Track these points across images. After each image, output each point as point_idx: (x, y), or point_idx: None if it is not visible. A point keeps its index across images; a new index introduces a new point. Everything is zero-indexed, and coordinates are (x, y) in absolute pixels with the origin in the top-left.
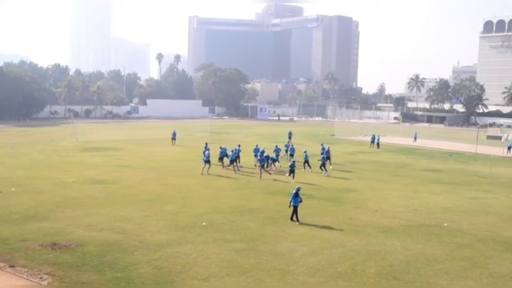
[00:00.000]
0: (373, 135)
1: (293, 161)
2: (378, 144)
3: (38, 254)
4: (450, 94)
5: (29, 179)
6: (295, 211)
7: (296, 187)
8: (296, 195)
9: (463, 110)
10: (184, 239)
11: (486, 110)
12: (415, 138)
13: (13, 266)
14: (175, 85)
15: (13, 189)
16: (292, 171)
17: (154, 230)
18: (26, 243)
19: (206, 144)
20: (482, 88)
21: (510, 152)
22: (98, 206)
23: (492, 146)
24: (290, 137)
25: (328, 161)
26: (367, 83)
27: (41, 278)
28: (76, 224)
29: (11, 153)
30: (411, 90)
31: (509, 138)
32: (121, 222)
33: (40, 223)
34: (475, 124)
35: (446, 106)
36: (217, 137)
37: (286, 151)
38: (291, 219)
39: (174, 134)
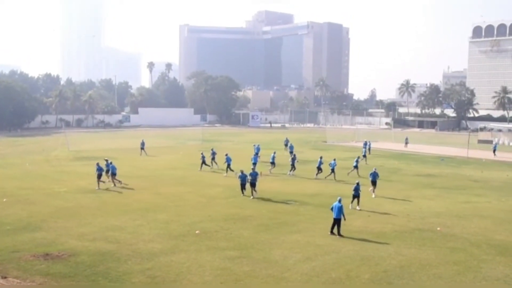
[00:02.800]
0: (365, 141)
1: (358, 183)
2: (369, 149)
3: (31, 265)
4: (441, 99)
5: (21, 189)
6: (336, 224)
7: (338, 197)
8: (340, 208)
9: (454, 114)
10: (177, 247)
11: (476, 115)
12: (406, 143)
13: (5, 277)
14: (166, 94)
15: (4, 200)
16: (356, 196)
17: (147, 239)
18: (19, 254)
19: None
20: (472, 93)
21: (495, 154)
22: (90, 215)
23: (483, 150)
24: (286, 144)
25: (373, 186)
26: (358, 89)
27: None
28: (69, 234)
29: (2, 164)
30: (402, 95)
31: (494, 141)
32: (114, 231)
33: (32, 233)
34: (466, 128)
35: (437, 111)
36: (209, 145)
37: (291, 152)
38: (331, 232)
39: (142, 143)
